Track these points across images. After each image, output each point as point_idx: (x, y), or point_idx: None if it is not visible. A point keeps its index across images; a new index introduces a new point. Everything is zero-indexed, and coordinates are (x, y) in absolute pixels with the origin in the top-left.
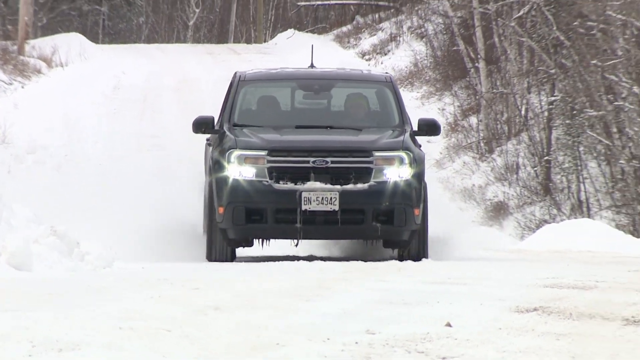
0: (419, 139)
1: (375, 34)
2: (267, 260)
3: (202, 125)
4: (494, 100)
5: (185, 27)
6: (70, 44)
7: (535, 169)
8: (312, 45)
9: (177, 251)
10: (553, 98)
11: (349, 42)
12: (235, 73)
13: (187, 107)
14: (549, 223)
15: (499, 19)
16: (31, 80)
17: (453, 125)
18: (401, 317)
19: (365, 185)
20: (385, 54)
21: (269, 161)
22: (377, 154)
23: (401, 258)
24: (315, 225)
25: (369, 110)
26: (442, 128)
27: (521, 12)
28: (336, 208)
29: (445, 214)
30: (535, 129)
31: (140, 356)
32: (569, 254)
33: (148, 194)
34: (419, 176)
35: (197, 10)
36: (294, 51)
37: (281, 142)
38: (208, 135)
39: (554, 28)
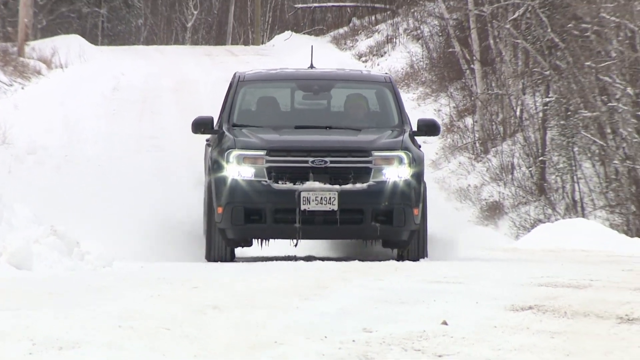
0: (419, 139)
1: (371, 36)
2: (266, 261)
3: (201, 125)
4: (489, 102)
5: (183, 29)
6: (69, 46)
7: (530, 169)
8: (312, 46)
9: (176, 251)
10: (548, 99)
11: (345, 43)
12: (235, 73)
13: (185, 108)
14: (544, 223)
15: (494, 21)
16: (31, 82)
17: (449, 126)
18: (398, 315)
19: (364, 185)
20: (382, 56)
21: (267, 161)
22: (376, 153)
23: (400, 258)
24: (314, 225)
25: (368, 111)
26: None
27: (516, 15)
28: (335, 208)
29: (441, 214)
30: (530, 130)
31: (139, 355)
32: (563, 253)
33: (147, 194)
34: (418, 176)
35: (196, 12)
36: (291, 53)
37: (280, 142)
38: (208, 136)
39: (549, 30)
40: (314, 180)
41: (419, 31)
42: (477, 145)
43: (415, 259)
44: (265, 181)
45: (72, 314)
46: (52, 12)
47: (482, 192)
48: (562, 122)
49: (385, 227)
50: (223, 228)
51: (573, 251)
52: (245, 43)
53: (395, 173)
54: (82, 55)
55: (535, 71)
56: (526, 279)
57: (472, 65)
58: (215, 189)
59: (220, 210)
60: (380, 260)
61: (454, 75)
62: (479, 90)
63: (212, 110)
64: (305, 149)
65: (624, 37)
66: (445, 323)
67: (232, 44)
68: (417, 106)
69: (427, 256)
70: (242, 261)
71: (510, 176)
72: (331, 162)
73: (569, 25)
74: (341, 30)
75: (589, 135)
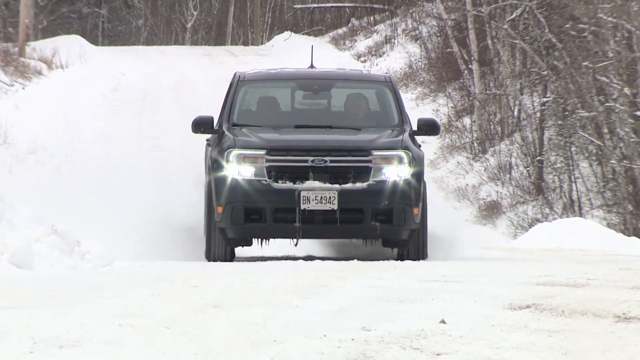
0: (418, 138)
1: (370, 36)
2: (266, 260)
3: (201, 125)
4: (487, 102)
5: (183, 30)
6: (70, 46)
7: (528, 168)
8: (312, 46)
9: (176, 251)
10: (545, 99)
11: (344, 44)
12: (235, 73)
13: (185, 107)
14: (542, 222)
15: (492, 21)
16: (32, 82)
17: (447, 126)
18: (396, 314)
19: (364, 185)
20: (380, 56)
21: (267, 160)
22: (376, 153)
23: (401, 257)
24: (314, 225)
25: (368, 110)
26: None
27: (514, 15)
28: (335, 207)
29: (440, 213)
30: (527, 130)
31: (139, 353)
32: (561, 253)
33: (147, 194)
34: (418, 175)
35: (195, 13)
36: (290, 53)
37: (280, 142)
38: (208, 136)
39: (546, 30)
40: (314, 180)
41: (417, 32)
42: (475, 145)
43: (416, 259)
44: (265, 180)
45: (73, 312)
46: (53, 12)
47: (480, 192)
48: (559, 122)
49: (385, 226)
50: (223, 227)
51: (570, 250)
52: (245, 43)
53: (395, 172)
54: (83, 55)
55: (532, 71)
56: (524, 277)
57: (470, 66)
58: (215, 188)
59: (220, 209)
60: (379, 260)
61: (452, 76)
62: (477, 90)
63: (212, 110)
64: (305, 148)
65: (621, 38)
66: (443, 322)
67: (231, 44)
68: (416, 106)
69: (427, 255)
70: (242, 261)
71: (508, 176)
72: (331, 161)
73: (567, 25)
74: (340, 31)
75: (587, 135)
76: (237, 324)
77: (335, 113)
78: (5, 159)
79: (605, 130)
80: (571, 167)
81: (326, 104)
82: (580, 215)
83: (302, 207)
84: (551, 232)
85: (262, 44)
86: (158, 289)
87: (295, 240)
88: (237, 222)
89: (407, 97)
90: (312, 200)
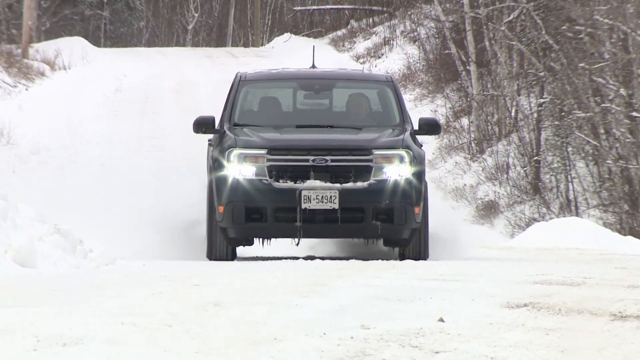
0: (420, 138)
1: (369, 38)
2: (267, 260)
3: (202, 125)
4: (484, 102)
5: (184, 31)
6: (72, 48)
7: (525, 168)
8: (314, 46)
9: (178, 250)
10: (542, 100)
11: (343, 45)
12: (237, 73)
13: (186, 109)
14: (539, 221)
15: (489, 23)
16: (35, 83)
17: (445, 127)
18: (395, 312)
19: (365, 184)
20: (379, 57)
21: (268, 160)
22: (376, 152)
23: (402, 257)
24: (315, 224)
25: (369, 110)
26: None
27: (511, 17)
28: (336, 206)
29: (438, 213)
30: (524, 130)
31: (141, 351)
32: (557, 252)
33: (149, 194)
34: (419, 175)
35: (196, 15)
36: (290, 54)
37: (281, 141)
38: (210, 136)
39: (543, 32)
40: (315, 179)
41: (415, 33)
42: (473, 145)
43: (417, 258)
44: (266, 180)
45: (76, 310)
46: (56, 14)
47: (477, 192)
48: (556, 122)
49: (386, 225)
50: (224, 227)
51: (567, 249)
52: (245, 45)
53: (396, 171)
54: (85, 57)
55: (530, 72)
56: (521, 276)
57: (467, 67)
58: (216, 188)
59: (221, 209)
60: (379, 259)
61: (450, 77)
62: (474, 91)
63: (213, 111)
64: (306, 147)
65: (617, 39)
66: (441, 320)
67: (232, 45)
68: (414, 107)
69: (428, 255)
70: (243, 260)
71: (505, 176)
72: (332, 160)
73: (563, 27)
74: (339, 33)
75: (583, 136)
76: (237, 323)
77: (336, 113)
78: (9, 159)
79: (602, 131)
80: (568, 167)
81: (328, 104)
82: (577, 214)
83: (303, 206)
84: (548, 231)
85: (262, 45)
86: (159, 288)
87: (296, 239)
88: (238, 222)
89: (406, 98)
90: (313, 199)
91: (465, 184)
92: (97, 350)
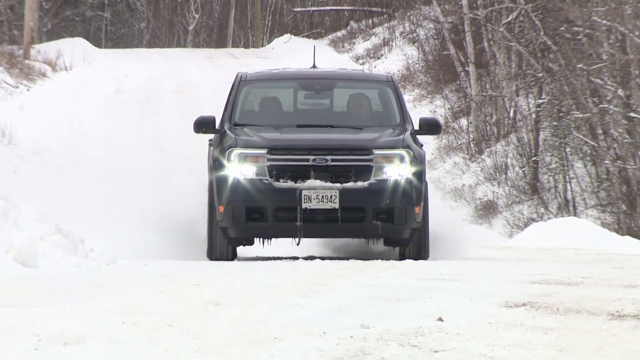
0: (420, 138)
1: (368, 39)
2: (267, 260)
3: (203, 125)
4: (483, 103)
5: (185, 32)
6: (74, 49)
7: (524, 169)
8: (315, 46)
9: (178, 250)
10: (540, 101)
11: (343, 46)
12: (238, 73)
13: (186, 109)
14: (537, 221)
15: (488, 24)
16: (36, 84)
17: (444, 127)
18: (395, 312)
19: (365, 183)
20: (379, 58)
21: (269, 159)
22: (377, 152)
23: (402, 257)
24: (316, 224)
25: (370, 110)
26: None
27: (510, 18)
28: (336, 206)
29: (437, 213)
30: (523, 131)
31: (142, 350)
32: (556, 252)
33: (149, 194)
34: (420, 174)
35: (197, 16)
36: (290, 55)
37: (281, 141)
38: (211, 136)
39: (542, 33)
40: (315, 179)
41: (414, 34)
42: (472, 145)
43: (417, 258)
44: (267, 180)
45: (77, 310)
46: (57, 15)
47: (476, 192)
48: (554, 123)
49: (387, 225)
50: (224, 227)
51: (565, 249)
52: (246, 46)
53: (397, 171)
54: (86, 58)
55: (528, 73)
56: (520, 276)
57: (466, 68)
58: (217, 187)
59: (221, 209)
60: (379, 259)
61: (449, 78)
62: (473, 92)
63: (213, 111)
64: (306, 147)
65: (614, 40)
66: (440, 319)
67: (232, 46)
68: (413, 108)
69: (428, 255)
70: (243, 260)
71: (504, 176)
72: (332, 160)
73: (561, 28)
74: (339, 34)
75: (581, 136)
76: (237, 322)
77: (337, 113)
78: (10, 159)
79: (600, 131)
80: (566, 168)
81: (328, 104)
82: (575, 214)
83: (304, 206)
84: (546, 231)
85: (262, 46)
86: (160, 288)
87: (297, 239)
88: (238, 222)
89: (405, 99)
90: (314, 199)
91: (464, 184)
92: (98, 350)
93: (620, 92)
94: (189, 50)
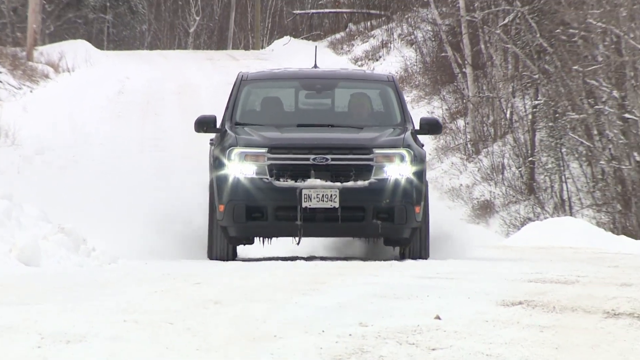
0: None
1: (367, 41)
2: (267, 260)
3: (203, 124)
4: (480, 104)
5: (186, 34)
6: (76, 51)
7: (520, 169)
8: (316, 46)
9: (179, 250)
10: (537, 102)
11: (342, 48)
12: (239, 73)
13: (187, 110)
14: (533, 221)
15: (485, 26)
16: (39, 85)
17: None
18: (393, 310)
19: (366, 183)
20: (377, 60)
21: (269, 158)
22: (377, 151)
23: (402, 256)
24: (316, 223)
25: (371, 109)
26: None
27: (506, 20)
28: (336, 205)
29: (435, 212)
30: (519, 131)
31: (143, 348)
32: (552, 251)
33: (150, 194)
34: (420, 174)
35: (198, 18)
36: (290, 57)
37: (281, 140)
38: (212, 136)
39: (538, 35)
40: (316, 178)
41: (412, 36)
42: (469, 146)
43: (418, 257)
44: (267, 179)
45: (79, 308)
46: (60, 18)
47: (473, 192)
48: (550, 124)
49: (387, 224)
50: (225, 226)
51: (561, 248)
52: (246, 48)
53: (397, 171)
54: (89, 59)
55: (524, 75)
56: (516, 275)
57: (463, 69)
58: (217, 186)
59: (221, 208)
60: (380, 259)
61: (446, 79)
62: (470, 93)
63: (214, 112)
64: (306, 146)
65: (610, 42)
66: (438, 317)
67: (233, 48)
68: (411, 109)
69: (429, 254)
70: (244, 260)
71: (500, 176)
72: (332, 159)
73: (557, 30)
74: (338, 36)
75: (577, 137)
76: (238, 320)
77: (337, 112)
78: (14, 160)
79: (595, 132)
80: (562, 168)
81: (330, 103)
82: (571, 214)
83: (304, 205)
84: (542, 230)
85: (262, 48)
86: (161, 287)
87: (297, 238)
88: (238, 221)
89: None
90: (314, 198)
91: (461, 184)
92: (100, 347)
93: (615, 93)
94: (190, 52)
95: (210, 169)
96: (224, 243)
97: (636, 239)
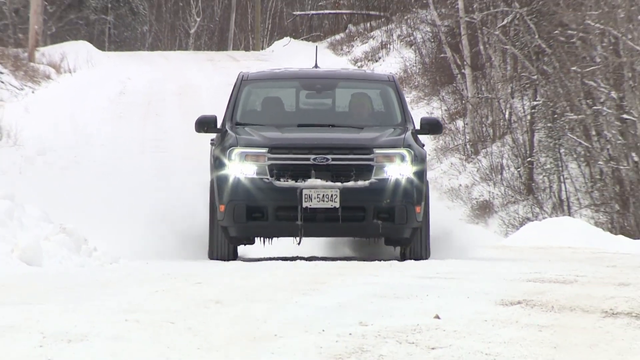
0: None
1: (366, 42)
2: (268, 260)
3: (204, 124)
4: (479, 105)
5: (187, 35)
6: (77, 52)
7: (519, 169)
8: (317, 46)
9: (179, 250)
10: (535, 102)
11: (342, 49)
12: (239, 73)
13: (188, 111)
14: (532, 221)
15: (484, 27)
16: (41, 86)
17: None
18: (392, 310)
19: (366, 183)
20: (376, 61)
21: (269, 159)
22: (377, 151)
23: (403, 256)
24: (316, 223)
25: (371, 109)
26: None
27: (505, 22)
28: (337, 205)
29: (434, 213)
30: (518, 132)
31: (145, 347)
32: (550, 250)
33: (151, 194)
34: (421, 174)
35: (198, 19)
36: (289, 58)
37: (282, 140)
38: (213, 136)
39: (536, 36)
40: (316, 178)
41: (412, 37)
42: (468, 146)
43: (418, 257)
44: (267, 179)
45: (80, 308)
46: (61, 19)
47: (472, 192)
48: (549, 124)
49: (387, 224)
50: (225, 226)
51: (560, 248)
52: (246, 49)
53: (397, 170)
54: (90, 60)
55: (523, 76)
56: (515, 274)
57: (462, 70)
58: (218, 186)
59: (222, 208)
60: (381, 260)
61: (445, 80)
62: (469, 94)
63: (214, 112)
64: (306, 146)
65: (608, 43)
66: (437, 317)
67: (233, 49)
68: (411, 109)
69: (429, 254)
70: (245, 260)
71: (499, 176)
72: (333, 159)
73: (556, 32)
74: (337, 37)
75: (575, 137)
76: (238, 320)
77: (338, 112)
78: (16, 160)
79: (593, 133)
80: (560, 168)
81: (330, 103)
82: (569, 214)
83: (304, 205)
84: (541, 230)
85: (262, 49)
86: (162, 286)
87: (297, 238)
88: (239, 221)
89: None
90: (314, 198)
91: (460, 185)
92: (101, 347)
93: (613, 94)
94: (190, 53)
95: (211, 169)
96: (224, 243)
97: (634, 238)
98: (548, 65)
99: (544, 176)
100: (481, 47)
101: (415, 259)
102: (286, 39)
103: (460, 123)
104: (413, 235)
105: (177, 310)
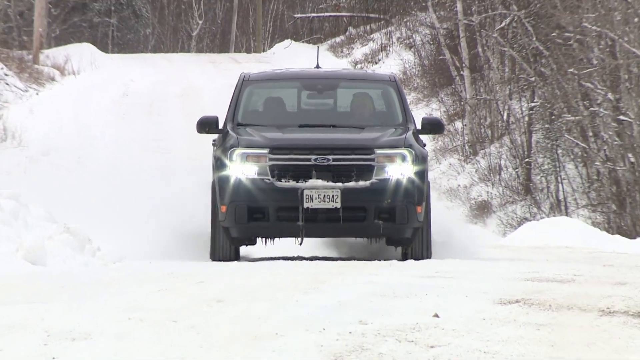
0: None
1: (366, 44)
2: (269, 260)
3: (205, 125)
4: (477, 106)
5: (189, 38)
6: (81, 54)
7: (517, 170)
8: (318, 47)
9: (181, 251)
10: (533, 104)
11: (342, 51)
12: (241, 74)
13: (190, 113)
14: (530, 221)
15: (482, 30)
16: (45, 88)
17: None
18: (392, 308)
19: (367, 183)
20: (376, 63)
21: (270, 159)
22: (378, 151)
23: (404, 256)
24: (317, 223)
25: (373, 110)
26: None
27: (503, 24)
28: (338, 206)
29: (433, 213)
30: (516, 133)
31: (148, 345)
32: (548, 250)
33: (154, 195)
34: (422, 174)
35: (201, 22)
36: (290, 60)
37: (283, 140)
38: (214, 136)
39: (534, 39)
40: (317, 178)
41: (411, 40)
42: (467, 147)
43: (420, 257)
44: (269, 179)
45: (84, 307)
46: (65, 21)
47: (471, 192)
48: (546, 125)
49: (388, 224)
50: (227, 226)
51: (557, 248)
52: (248, 51)
53: (398, 171)
54: (94, 62)
55: (521, 77)
56: (513, 274)
57: (461, 72)
58: (219, 187)
59: (223, 208)
60: (381, 259)
61: (444, 82)
62: (468, 95)
63: (216, 114)
64: (307, 146)
65: (604, 46)
66: (436, 316)
67: (235, 51)
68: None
69: (431, 254)
70: (246, 261)
71: (497, 177)
72: (334, 159)
73: (553, 34)
74: (338, 39)
75: (572, 138)
76: (240, 318)
77: (339, 112)
78: (20, 161)
79: (590, 134)
80: (558, 169)
81: (332, 103)
82: (567, 214)
83: (305, 205)
84: (539, 230)
85: (263, 51)
86: (165, 286)
87: (299, 239)
88: (240, 221)
89: None
90: (315, 198)
91: (459, 185)
92: (105, 345)
93: (610, 95)
94: (193, 55)
95: (213, 170)
96: (226, 244)
97: (630, 238)
98: (545, 67)
99: (541, 177)
100: (479, 50)
101: (417, 259)
102: (287, 42)
103: (459, 124)
104: (414, 235)
105: (179, 309)
